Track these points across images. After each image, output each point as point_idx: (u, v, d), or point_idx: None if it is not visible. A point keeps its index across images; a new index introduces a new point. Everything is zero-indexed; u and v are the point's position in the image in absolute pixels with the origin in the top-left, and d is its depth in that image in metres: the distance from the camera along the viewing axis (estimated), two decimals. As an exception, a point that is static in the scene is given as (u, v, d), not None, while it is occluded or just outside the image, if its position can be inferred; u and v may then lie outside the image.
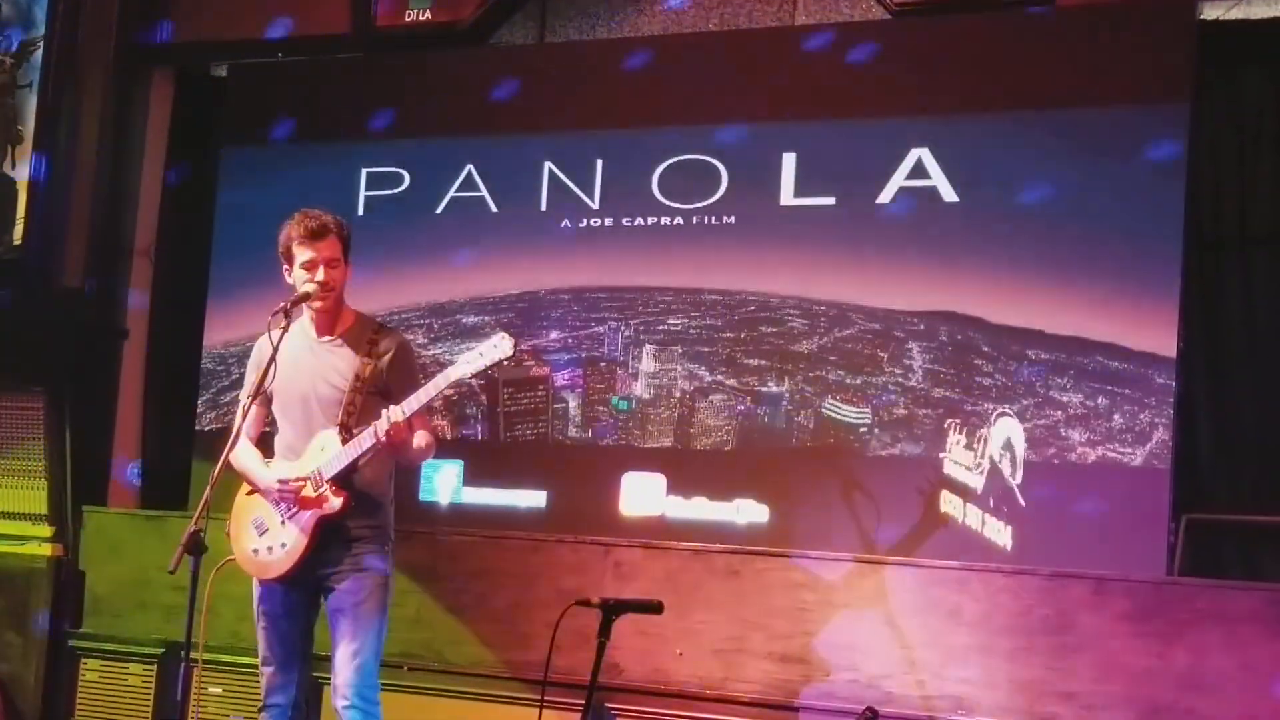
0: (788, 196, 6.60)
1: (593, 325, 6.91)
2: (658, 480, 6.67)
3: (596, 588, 5.67)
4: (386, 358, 5.06)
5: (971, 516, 6.12)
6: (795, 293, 6.54)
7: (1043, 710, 5.36)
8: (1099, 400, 5.95)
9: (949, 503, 6.17)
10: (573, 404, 6.94)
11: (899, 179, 6.39)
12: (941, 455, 6.19)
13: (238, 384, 7.38)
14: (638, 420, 6.79)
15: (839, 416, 6.40)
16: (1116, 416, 5.91)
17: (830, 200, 6.52)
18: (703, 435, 6.65)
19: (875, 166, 6.43)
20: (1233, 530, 6.14)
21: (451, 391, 6.96)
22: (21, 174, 7.65)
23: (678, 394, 6.73)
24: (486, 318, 7.11)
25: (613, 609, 4.79)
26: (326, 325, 5.11)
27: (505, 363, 4.90)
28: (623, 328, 6.86)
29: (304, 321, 5.14)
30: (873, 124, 6.50)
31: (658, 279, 6.82)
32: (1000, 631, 5.49)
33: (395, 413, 4.78)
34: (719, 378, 6.65)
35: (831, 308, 6.47)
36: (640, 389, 6.81)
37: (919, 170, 6.36)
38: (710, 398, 6.66)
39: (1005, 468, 6.01)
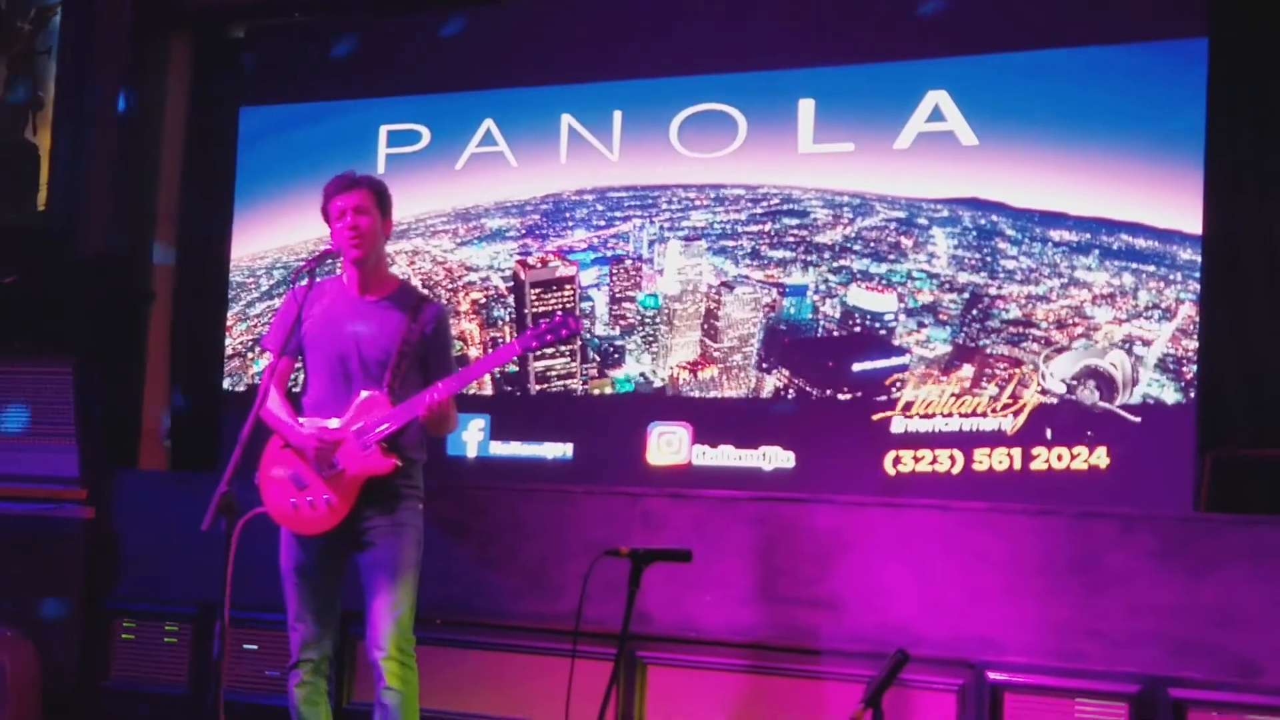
0: (806, 144, 6.60)
1: (617, 223, 6.96)
2: (684, 429, 6.70)
3: (625, 538, 5.68)
4: (431, 327, 5.12)
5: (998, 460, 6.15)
6: (817, 185, 6.57)
7: (1072, 649, 5.39)
8: (1124, 277, 6.00)
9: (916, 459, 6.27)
10: (600, 302, 6.97)
11: (917, 123, 6.38)
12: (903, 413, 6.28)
13: (267, 295, 7.44)
14: (665, 316, 6.83)
15: (864, 305, 6.44)
16: (1142, 293, 5.96)
17: (849, 146, 6.52)
18: (730, 329, 6.69)
19: (893, 110, 6.43)
20: (1259, 466, 6.12)
21: (480, 295, 7.02)
22: (44, 140, 7.68)
23: (704, 288, 6.77)
24: (512, 220, 7.16)
25: (642, 558, 4.83)
26: (368, 284, 5.14)
27: (568, 340, 4.99)
28: (647, 225, 6.89)
29: (341, 281, 5.18)
30: (890, 67, 6.48)
31: (680, 177, 6.86)
32: (1028, 572, 5.51)
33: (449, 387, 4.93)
34: (744, 271, 6.68)
35: (855, 197, 6.50)
36: (666, 285, 6.84)
37: (937, 114, 6.36)
38: (736, 291, 6.69)
39: (1086, 395, 6.01)
